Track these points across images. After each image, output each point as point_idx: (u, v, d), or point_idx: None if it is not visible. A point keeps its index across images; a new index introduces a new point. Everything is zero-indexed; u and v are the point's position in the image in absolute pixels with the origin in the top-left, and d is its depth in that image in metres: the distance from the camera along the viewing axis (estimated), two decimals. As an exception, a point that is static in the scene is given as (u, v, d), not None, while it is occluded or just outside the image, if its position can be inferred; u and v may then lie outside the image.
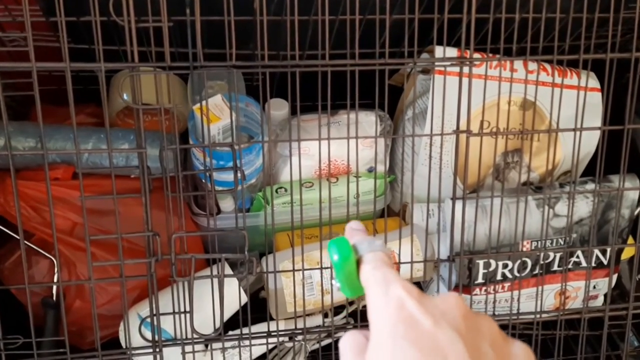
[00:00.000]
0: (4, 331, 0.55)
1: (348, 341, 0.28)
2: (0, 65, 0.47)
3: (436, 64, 0.54)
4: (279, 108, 0.69)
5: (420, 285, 0.72)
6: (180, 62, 0.51)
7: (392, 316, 0.26)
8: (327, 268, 0.60)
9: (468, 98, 0.55)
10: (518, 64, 0.65)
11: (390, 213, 0.76)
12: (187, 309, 0.56)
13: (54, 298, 0.60)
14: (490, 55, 0.61)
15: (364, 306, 0.27)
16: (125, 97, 0.63)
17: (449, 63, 0.54)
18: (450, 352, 0.25)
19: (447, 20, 0.53)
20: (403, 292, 0.27)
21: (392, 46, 0.55)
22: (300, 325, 0.61)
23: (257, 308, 0.62)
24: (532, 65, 0.65)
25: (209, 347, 0.61)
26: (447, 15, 0.52)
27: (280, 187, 0.67)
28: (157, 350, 0.56)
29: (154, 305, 0.55)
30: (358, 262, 0.30)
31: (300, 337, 0.62)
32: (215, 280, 0.56)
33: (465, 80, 0.55)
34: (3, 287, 0.54)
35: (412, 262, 0.60)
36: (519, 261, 0.64)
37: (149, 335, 0.57)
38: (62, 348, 0.56)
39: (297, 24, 0.51)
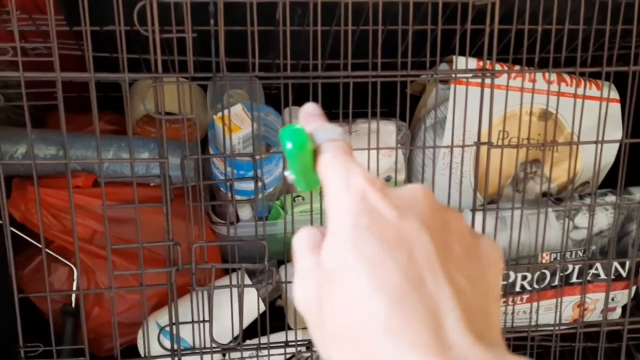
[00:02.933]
0: (23, 338, 0.55)
1: (303, 237, 0.26)
2: (26, 75, 0.47)
3: (458, 75, 0.54)
4: (297, 117, 0.69)
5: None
6: (203, 73, 0.51)
7: (353, 208, 0.24)
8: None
9: (490, 109, 0.55)
10: (538, 74, 0.65)
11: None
12: (206, 318, 0.56)
13: (73, 305, 0.60)
14: (511, 66, 0.61)
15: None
16: (147, 106, 0.63)
17: (470, 74, 0.54)
18: (416, 244, 0.23)
19: (466, 31, 0.53)
20: (365, 182, 0.24)
21: (411, 55, 0.54)
22: (317, 335, 0.61)
23: (274, 316, 0.62)
24: (552, 76, 0.65)
25: (226, 356, 0.61)
26: (470, 26, 0.52)
27: (298, 196, 0.67)
28: (176, 359, 0.56)
29: (173, 314, 0.55)
30: (315, 152, 0.27)
31: (317, 347, 0.62)
32: (234, 290, 0.56)
33: (485, 91, 0.55)
34: (24, 294, 0.54)
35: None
36: (538, 273, 0.63)
37: (167, 343, 0.57)
38: (80, 356, 0.56)
39: (320, 34, 0.51)
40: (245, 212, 0.64)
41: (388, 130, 0.69)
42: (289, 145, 0.26)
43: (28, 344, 0.54)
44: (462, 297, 0.22)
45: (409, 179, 0.74)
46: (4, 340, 0.60)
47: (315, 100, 0.54)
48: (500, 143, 0.61)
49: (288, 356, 0.63)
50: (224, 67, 0.50)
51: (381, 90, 0.54)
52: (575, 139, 0.63)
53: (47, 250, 0.60)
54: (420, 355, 0.20)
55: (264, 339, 0.59)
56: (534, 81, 0.63)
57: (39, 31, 0.54)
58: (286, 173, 0.28)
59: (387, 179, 0.70)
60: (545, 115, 0.66)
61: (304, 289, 0.24)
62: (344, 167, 0.25)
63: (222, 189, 0.62)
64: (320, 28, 0.51)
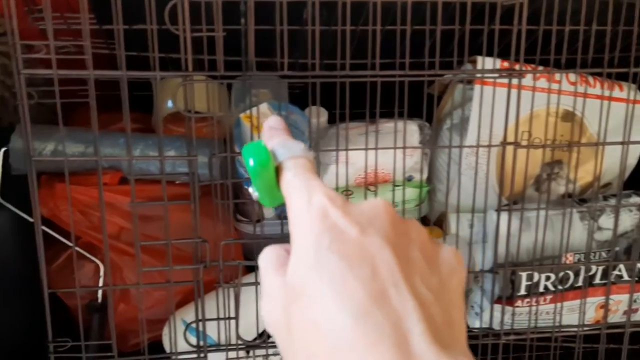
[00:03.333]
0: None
1: (267, 256, 0.26)
2: (60, 72, 0.48)
3: (485, 75, 0.54)
4: (317, 116, 0.69)
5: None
6: (232, 71, 0.51)
7: (315, 226, 0.24)
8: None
9: (517, 110, 0.55)
10: (559, 75, 0.65)
11: (426, 222, 0.75)
12: (231, 315, 0.56)
13: (99, 301, 0.60)
14: (534, 66, 0.61)
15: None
16: (170, 104, 0.63)
17: (497, 74, 0.54)
18: (379, 259, 0.23)
19: (490, 31, 0.53)
20: (326, 200, 0.25)
21: (432, 56, 0.54)
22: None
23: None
24: (574, 77, 0.65)
25: (250, 353, 0.61)
26: (499, 26, 0.52)
27: (320, 195, 0.67)
28: (202, 355, 0.56)
29: (199, 311, 0.55)
30: (277, 169, 0.27)
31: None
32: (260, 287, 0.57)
33: (507, 91, 0.55)
34: (53, 290, 0.55)
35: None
36: (561, 273, 0.63)
37: (193, 340, 0.58)
38: (106, 351, 0.57)
39: (348, 34, 0.51)
40: (268, 210, 0.65)
41: (410, 130, 0.69)
42: (251, 162, 0.26)
43: (57, 339, 0.55)
44: (426, 309, 0.23)
45: (430, 179, 0.74)
46: (34, 335, 0.60)
47: (342, 99, 0.54)
48: (524, 144, 0.61)
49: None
50: (254, 66, 0.50)
51: (403, 90, 0.54)
52: (596, 139, 0.63)
53: (77, 248, 0.60)
54: None
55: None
56: (558, 82, 0.63)
57: (69, 30, 0.54)
58: (250, 189, 0.28)
59: (409, 179, 0.70)
60: (567, 116, 0.66)
61: (271, 310, 0.25)
62: (304, 186, 0.26)
63: (247, 187, 0.62)
64: (348, 27, 0.51)
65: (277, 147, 0.27)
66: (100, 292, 0.60)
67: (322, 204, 0.25)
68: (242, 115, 0.57)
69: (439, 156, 0.73)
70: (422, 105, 0.57)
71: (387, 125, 0.67)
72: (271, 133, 0.29)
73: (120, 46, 0.48)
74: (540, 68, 0.62)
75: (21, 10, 0.53)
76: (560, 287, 0.64)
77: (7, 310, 0.60)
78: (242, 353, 0.60)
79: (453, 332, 0.23)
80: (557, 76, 0.64)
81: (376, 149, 0.56)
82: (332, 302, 0.22)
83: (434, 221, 0.75)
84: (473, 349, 0.63)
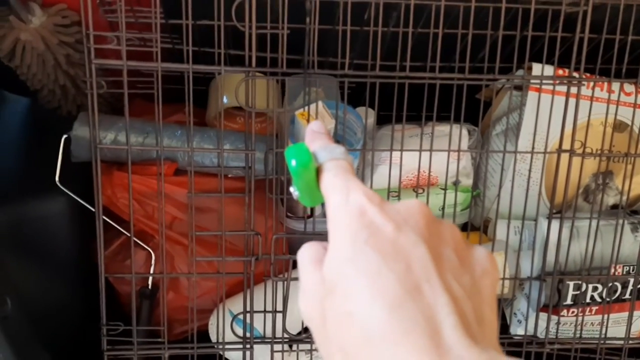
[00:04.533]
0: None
1: (306, 252, 0.27)
2: (129, 64, 0.50)
3: (544, 82, 0.54)
4: (371, 116, 0.70)
5: (500, 303, 0.71)
6: (289, 69, 0.52)
7: (353, 223, 0.25)
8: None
9: (574, 118, 0.55)
10: (614, 85, 0.64)
11: (470, 228, 0.75)
12: (279, 308, 0.57)
13: (149, 289, 0.62)
14: (587, 75, 0.60)
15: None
16: (225, 100, 0.65)
17: (558, 81, 0.54)
18: (413, 256, 0.24)
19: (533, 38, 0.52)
20: (364, 198, 0.26)
21: (477, 60, 0.54)
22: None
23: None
24: (629, 87, 0.64)
25: (293, 347, 0.62)
26: (561, 33, 0.52)
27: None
28: (248, 347, 0.57)
29: (248, 303, 0.56)
30: (318, 170, 0.28)
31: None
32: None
33: (562, 99, 0.55)
34: (108, 275, 0.57)
35: (502, 279, 0.60)
36: (610, 285, 0.63)
37: (239, 331, 0.59)
38: (154, 337, 0.58)
39: (410, 36, 0.52)
40: (318, 207, 0.65)
41: (462, 134, 0.69)
42: (293, 163, 0.28)
43: (110, 323, 0.56)
44: (458, 304, 0.23)
45: (475, 184, 0.74)
46: (85, 318, 0.62)
47: (400, 100, 0.54)
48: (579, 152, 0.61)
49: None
50: (316, 64, 0.51)
51: (447, 95, 0.54)
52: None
53: (129, 234, 0.62)
54: (418, 359, 0.22)
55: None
56: (613, 92, 0.63)
57: (136, 23, 0.56)
58: (291, 189, 0.29)
59: (456, 183, 0.70)
60: (619, 126, 0.66)
61: (308, 303, 0.26)
62: (344, 185, 0.27)
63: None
64: (410, 30, 0.52)
65: (319, 150, 0.29)
66: (150, 280, 0.62)
67: (360, 202, 0.26)
68: (297, 112, 0.58)
69: (485, 162, 0.73)
70: (467, 109, 0.57)
71: (437, 129, 0.67)
72: (313, 136, 0.30)
73: (188, 41, 0.49)
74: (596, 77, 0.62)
75: (92, 3, 0.54)
76: (607, 299, 0.63)
77: (62, 294, 0.62)
78: (286, 346, 0.61)
79: (484, 328, 0.24)
80: (613, 86, 0.63)
81: (431, 150, 0.56)
82: (367, 294, 0.23)
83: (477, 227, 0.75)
84: (516, 356, 0.63)
